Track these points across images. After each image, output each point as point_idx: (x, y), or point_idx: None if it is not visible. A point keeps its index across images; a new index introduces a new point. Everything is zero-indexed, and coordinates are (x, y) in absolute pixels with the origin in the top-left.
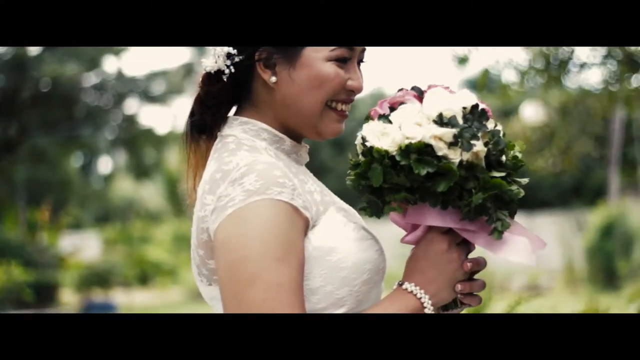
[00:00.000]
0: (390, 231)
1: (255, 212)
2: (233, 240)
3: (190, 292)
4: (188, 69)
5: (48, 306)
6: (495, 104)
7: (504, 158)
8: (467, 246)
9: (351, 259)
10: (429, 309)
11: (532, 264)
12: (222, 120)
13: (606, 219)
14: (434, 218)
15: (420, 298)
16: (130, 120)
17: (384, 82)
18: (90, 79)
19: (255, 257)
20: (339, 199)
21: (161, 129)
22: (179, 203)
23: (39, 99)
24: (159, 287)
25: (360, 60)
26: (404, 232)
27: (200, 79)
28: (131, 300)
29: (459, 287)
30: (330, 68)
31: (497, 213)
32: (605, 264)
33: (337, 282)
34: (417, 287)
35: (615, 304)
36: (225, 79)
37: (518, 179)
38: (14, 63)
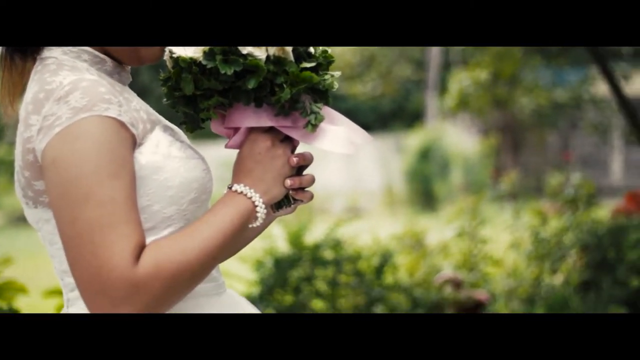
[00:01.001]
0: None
1: (84, 130)
2: (63, 160)
3: (9, 216)
4: None
5: None
6: None
7: (313, 50)
8: (291, 142)
9: (178, 178)
10: (260, 207)
11: (349, 152)
12: None
13: (424, 142)
14: (250, 118)
15: (251, 197)
16: None
17: None
18: None
19: (86, 174)
20: (165, 120)
21: None
22: None
23: None
24: None
25: None
26: (227, 156)
27: None
28: None
29: (288, 182)
30: None
31: (311, 106)
32: (423, 186)
33: (164, 201)
34: (247, 187)
35: (434, 225)
36: None
37: (331, 72)
38: None
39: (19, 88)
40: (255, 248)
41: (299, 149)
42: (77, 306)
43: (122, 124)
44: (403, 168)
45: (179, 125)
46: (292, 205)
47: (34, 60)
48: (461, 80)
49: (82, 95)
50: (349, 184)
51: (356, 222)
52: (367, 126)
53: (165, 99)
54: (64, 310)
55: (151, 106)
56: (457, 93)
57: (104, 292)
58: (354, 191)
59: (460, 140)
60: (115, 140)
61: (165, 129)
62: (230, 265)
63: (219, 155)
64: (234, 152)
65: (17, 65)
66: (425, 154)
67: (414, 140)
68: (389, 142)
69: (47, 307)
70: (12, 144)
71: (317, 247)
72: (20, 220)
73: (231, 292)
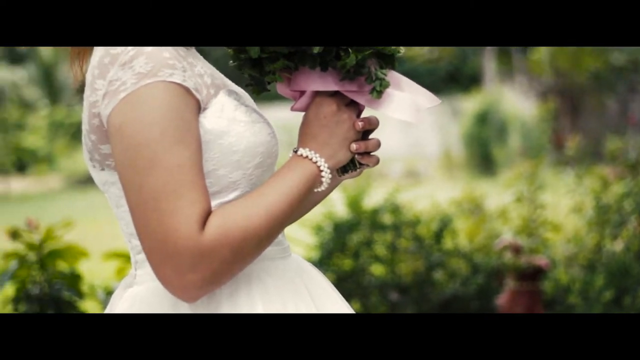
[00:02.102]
0: (276, 116)
1: (149, 96)
2: (129, 126)
3: (69, 179)
4: None
5: None
6: None
7: None
8: (356, 106)
9: (244, 143)
10: (326, 172)
11: (415, 121)
12: None
13: (482, 106)
14: (316, 81)
15: (317, 162)
16: None
17: None
18: None
19: (152, 141)
20: (231, 82)
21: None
22: (54, 90)
23: None
24: (36, 175)
25: None
26: (290, 119)
27: None
28: (8, 187)
29: (354, 146)
30: None
31: (376, 72)
32: (481, 150)
33: (229, 166)
34: (312, 152)
35: (493, 190)
36: None
37: None
38: None
39: (87, 52)
40: (314, 212)
41: (365, 113)
42: (144, 268)
43: (187, 89)
44: (461, 132)
45: (244, 87)
46: (358, 170)
47: None
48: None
49: (147, 60)
50: (406, 148)
51: (415, 187)
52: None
53: (231, 61)
54: (131, 272)
55: None
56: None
57: (171, 260)
58: (412, 156)
59: (518, 104)
60: (180, 106)
61: (230, 93)
62: (290, 230)
63: (282, 117)
64: (297, 116)
65: None
66: (483, 118)
67: (471, 104)
68: (446, 106)
69: (108, 269)
70: (69, 106)
71: (376, 212)
72: (79, 183)
73: (296, 256)
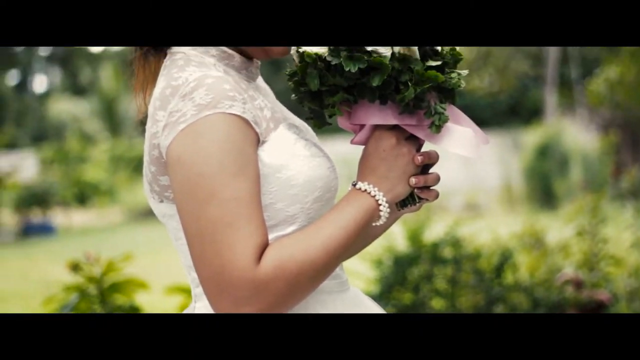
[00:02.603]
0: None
1: (208, 127)
2: (188, 157)
3: (130, 212)
4: None
5: None
6: None
7: (440, 48)
8: (416, 140)
9: (302, 177)
10: (384, 206)
11: (475, 156)
12: None
13: (543, 139)
14: (375, 115)
15: (375, 196)
16: None
17: None
18: None
19: (211, 172)
20: (293, 115)
21: (95, 47)
22: (115, 123)
23: None
24: (98, 207)
25: None
26: (351, 153)
27: None
28: (70, 221)
29: (413, 180)
30: None
31: (435, 106)
32: (542, 183)
33: (287, 200)
34: (371, 185)
35: (554, 223)
36: None
37: (458, 71)
38: None
39: (152, 84)
40: (374, 246)
41: (425, 147)
42: (203, 301)
43: (246, 122)
44: (521, 165)
45: (305, 120)
46: (417, 204)
47: (165, 55)
48: (607, 75)
49: (207, 92)
50: (467, 181)
51: (475, 220)
52: (484, 122)
53: (292, 94)
54: (191, 305)
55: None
56: (603, 84)
57: (227, 292)
58: (473, 189)
59: (579, 137)
60: (239, 138)
61: (290, 126)
62: (350, 263)
63: (342, 150)
64: (357, 149)
65: (150, 63)
66: (544, 151)
67: (532, 137)
68: (507, 139)
69: (169, 304)
70: (132, 139)
71: (436, 245)
72: (141, 216)
73: (355, 290)
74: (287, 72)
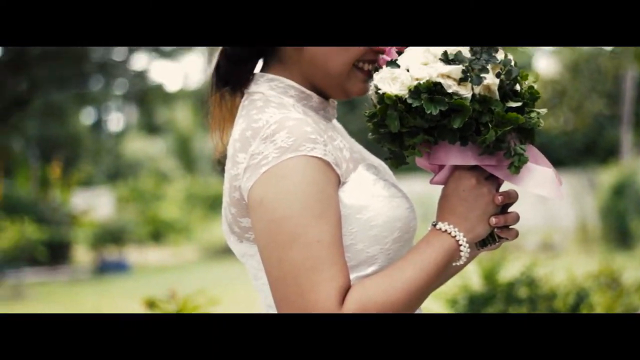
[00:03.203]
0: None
1: (290, 170)
2: (270, 200)
3: (205, 250)
4: None
5: (62, 264)
6: None
7: (519, 88)
8: (496, 180)
9: (382, 217)
10: (464, 246)
11: (558, 198)
12: (248, 75)
13: (619, 178)
14: (455, 156)
15: (455, 236)
16: (140, 76)
17: None
18: None
19: (293, 215)
20: (371, 155)
21: (171, 86)
22: (190, 161)
23: (49, 54)
24: (173, 245)
25: None
26: (426, 191)
27: None
28: (145, 258)
29: (493, 220)
30: None
31: (515, 147)
32: (618, 223)
33: (367, 240)
34: (451, 226)
35: (630, 263)
36: None
37: (536, 110)
38: None
39: (228, 123)
40: (449, 285)
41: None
42: None
43: (328, 164)
44: (597, 204)
45: (384, 160)
46: (497, 243)
47: (242, 94)
48: None
49: (289, 134)
50: (542, 220)
51: (551, 260)
52: (560, 161)
53: (370, 134)
54: None
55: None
56: None
57: None
58: (548, 228)
59: None
60: (321, 181)
61: (369, 167)
62: (424, 302)
63: (418, 189)
64: (433, 188)
65: (227, 101)
66: (620, 190)
67: (607, 176)
68: (583, 178)
69: None
70: (207, 177)
71: (511, 285)
72: (216, 253)
73: None
74: (366, 114)
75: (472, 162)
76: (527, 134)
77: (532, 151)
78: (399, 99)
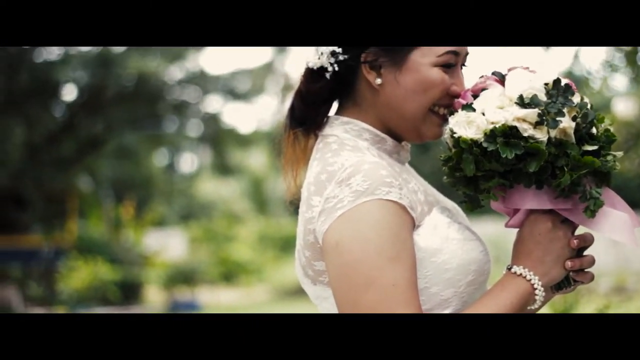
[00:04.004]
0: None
1: (366, 214)
2: (346, 243)
3: (276, 290)
4: (269, 68)
5: (134, 304)
6: None
7: (595, 131)
8: (571, 223)
9: (456, 260)
10: (539, 290)
11: (633, 245)
12: (323, 117)
13: None
14: (531, 200)
15: (530, 280)
16: (214, 118)
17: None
18: (174, 74)
19: (369, 259)
20: (444, 198)
21: (244, 128)
22: (262, 202)
23: (124, 96)
24: (244, 286)
25: (462, 64)
26: (499, 234)
27: (302, 75)
28: (217, 299)
29: (568, 264)
30: (437, 74)
31: (590, 190)
32: None
33: (442, 284)
34: (526, 269)
35: None
36: (327, 77)
37: (612, 152)
38: (99, 60)
39: (301, 163)
40: None
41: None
42: None
43: (403, 207)
44: None
45: (459, 203)
46: (572, 286)
47: (316, 136)
48: None
49: (364, 178)
50: (615, 263)
51: (624, 303)
52: (636, 204)
53: (445, 178)
54: None
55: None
56: None
57: None
58: (621, 271)
59: None
60: (396, 224)
61: (443, 210)
62: None
63: (490, 232)
64: (505, 231)
65: (300, 142)
66: None
67: None
68: None
69: None
70: (279, 218)
71: None
72: (287, 294)
73: None
74: (441, 157)
75: (548, 206)
76: (603, 177)
77: (608, 194)
78: (474, 142)
